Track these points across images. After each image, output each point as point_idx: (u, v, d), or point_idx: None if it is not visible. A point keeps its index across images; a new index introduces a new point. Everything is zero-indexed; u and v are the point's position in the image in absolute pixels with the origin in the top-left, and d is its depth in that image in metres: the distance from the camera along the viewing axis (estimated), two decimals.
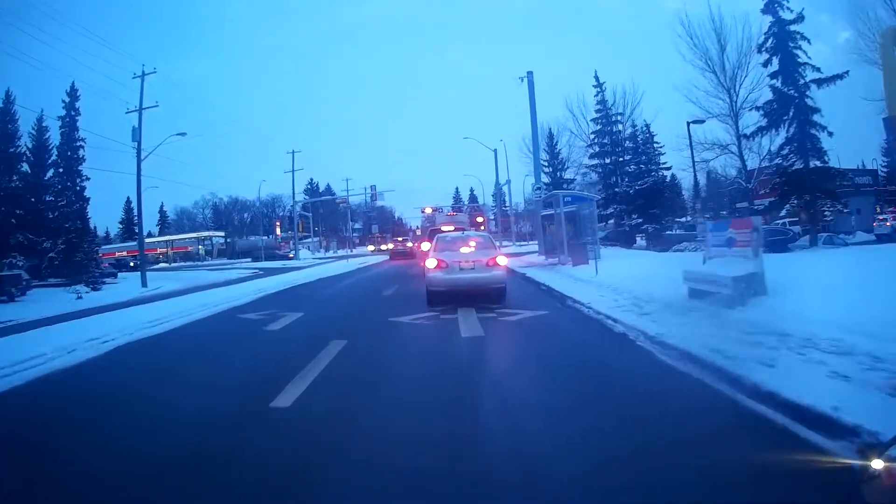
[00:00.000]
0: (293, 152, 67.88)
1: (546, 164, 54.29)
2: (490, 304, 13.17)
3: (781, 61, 27.42)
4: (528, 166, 50.72)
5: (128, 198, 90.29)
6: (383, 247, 67.26)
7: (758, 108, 28.01)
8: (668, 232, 40.92)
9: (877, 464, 1.75)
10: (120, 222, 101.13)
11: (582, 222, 27.20)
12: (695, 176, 31.31)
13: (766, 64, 28.29)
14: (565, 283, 16.82)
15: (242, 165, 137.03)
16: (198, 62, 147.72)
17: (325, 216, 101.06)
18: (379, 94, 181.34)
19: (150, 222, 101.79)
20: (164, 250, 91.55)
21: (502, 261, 13.65)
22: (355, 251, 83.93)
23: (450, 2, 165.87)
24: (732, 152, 28.25)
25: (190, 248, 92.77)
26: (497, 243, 15.32)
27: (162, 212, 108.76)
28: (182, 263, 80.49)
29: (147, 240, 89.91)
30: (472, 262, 13.33)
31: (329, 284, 23.92)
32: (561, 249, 25.94)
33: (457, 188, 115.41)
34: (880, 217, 47.93)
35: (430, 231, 26.86)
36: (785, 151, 27.71)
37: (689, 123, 30.46)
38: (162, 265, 78.58)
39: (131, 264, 64.38)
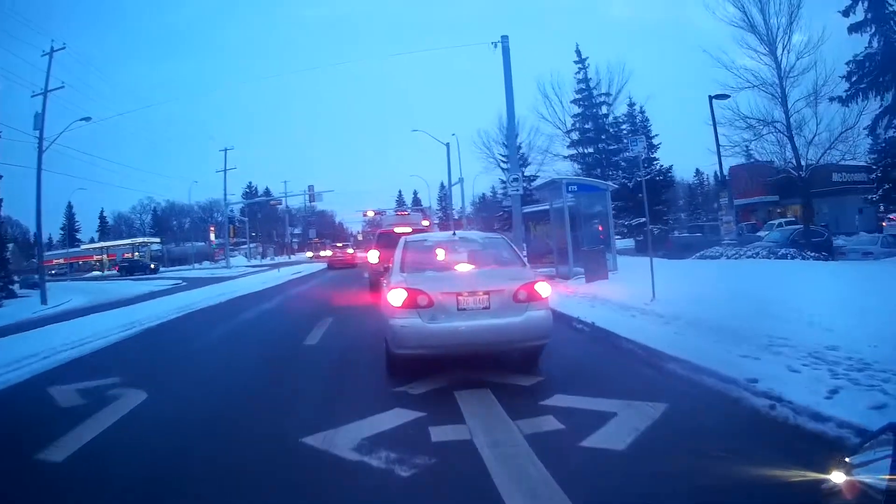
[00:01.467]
0: (225, 150, 65.69)
1: (504, 159, 49.24)
2: (513, 376, 6.98)
3: (870, 9, 21.69)
4: (483, 162, 50.34)
5: (69, 203, 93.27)
6: (322, 253, 63.68)
7: (856, 62, 22.08)
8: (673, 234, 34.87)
9: (837, 476, 1.68)
10: (61, 228, 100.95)
11: (583, 220, 20.97)
12: (720, 163, 25.40)
13: (846, 13, 22.80)
14: (615, 317, 10.57)
15: (182, 169, 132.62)
16: (138, 64, 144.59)
17: (263, 221, 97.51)
18: (322, 95, 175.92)
19: (90, 228, 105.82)
20: (100, 257, 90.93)
21: (544, 291, 6.98)
22: (294, 258, 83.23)
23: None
24: (779, 131, 22.04)
25: (126, 256, 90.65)
26: (520, 253, 8.57)
27: (102, 217, 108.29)
28: (115, 272, 78.47)
29: (84, 246, 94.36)
30: (485, 294, 6.70)
31: (238, 311, 17.16)
32: (561, 258, 19.48)
33: (399, 191, 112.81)
34: (892, 217, 44.00)
35: (380, 235, 19.63)
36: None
37: (711, 98, 24.62)
38: (95, 273, 78.17)
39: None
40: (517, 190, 27.70)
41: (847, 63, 22.46)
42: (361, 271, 27.23)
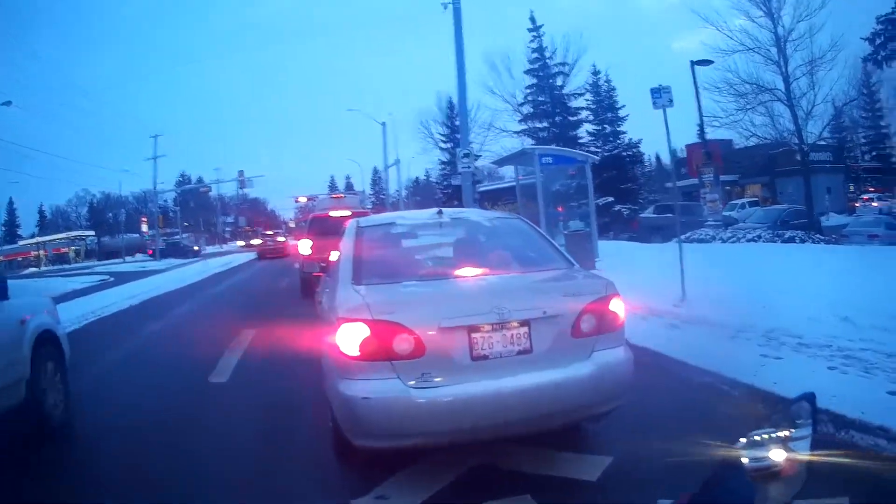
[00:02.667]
0: (155, 137, 62.06)
1: (444, 139, 48.09)
2: (559, 458, 4.19)
3: None
4: (421, 143, 49.64)
5: (10, 198, 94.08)
6: (253, 242, 60.86)
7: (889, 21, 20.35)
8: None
9: (753, 453, 1.42)
10: (3, 224, 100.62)
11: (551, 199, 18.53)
12: (702, 135, 23.27)
13: None
14: (649, 328, 7.91)
15: (117, 160, 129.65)
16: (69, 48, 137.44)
17: (195, 210, 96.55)
18: (255, 78, 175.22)
19: (31, 223, 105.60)
20: (38, 253, 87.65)
21: (621, 311, 4.11)
22: (225, 247, 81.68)
23: None
24: (778, 99, 20.35)
25: (63, 250, 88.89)
26: (556, 244, 5.55)
27: (41, 212, 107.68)
28: (50, 267, 75.29)
29: (22, 242, 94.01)
30: (522, 325, 3.76)
31: (144, 319, 13.93)
32: None
33: (332, 176, 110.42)
34: (864, 197, 43.57)
35: (313, 220, 16.17)
36: None
37: (693, 63, 22.45)
38: (32, 270, 73.16)
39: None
40: (467, 166, 25.16)
41: (879, 21, 20.67)
42: (293, 261, 24.35)
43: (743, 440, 1.43)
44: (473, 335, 3.67)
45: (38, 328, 5.49)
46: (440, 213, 5.27)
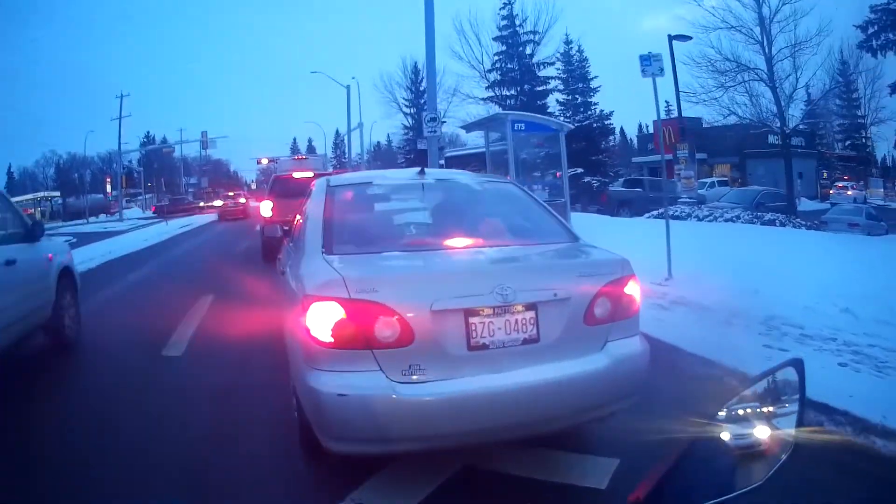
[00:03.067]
0: (121, 96, 62.36)
1: (408, 103, 48.87)
2: (559, 459, 3.73)
3: None
4: (384, 107, 50.37)
5: None
6: (214, 203, 59.64)
7: (886, 11, 20.72)
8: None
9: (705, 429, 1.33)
10: None
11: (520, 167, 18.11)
12: (679, 110, 23.15)
13: None
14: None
15: (84, 120, 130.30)
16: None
17: (159, 171, 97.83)
18: (222, 39, 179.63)
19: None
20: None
21: (637, 294, 3.66)
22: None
23: None
24: (761, 79, 20.70)
25: (29, 211, 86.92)
26: (556, 213, 4.96)
27: (10, 173, 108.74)
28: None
29: None
30: (528, 308, 3.22)
31: (100, 284, 12.33)
32: None
33: (294, 138, 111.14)
34: (839, 185, 44.23)
35: (275, 181, 15.81)
36: None
37: (671, 38, 22.16)
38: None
39: None
40: (433, 131, 24.59)
41: (874, 10, 20.94)
42: (255, 223, 23.79)
43: (722, 413, 1.33)
44: (471, 320, 3.13)
45: (60, 264, 7.01)
46: (422, 172, 4.64)
